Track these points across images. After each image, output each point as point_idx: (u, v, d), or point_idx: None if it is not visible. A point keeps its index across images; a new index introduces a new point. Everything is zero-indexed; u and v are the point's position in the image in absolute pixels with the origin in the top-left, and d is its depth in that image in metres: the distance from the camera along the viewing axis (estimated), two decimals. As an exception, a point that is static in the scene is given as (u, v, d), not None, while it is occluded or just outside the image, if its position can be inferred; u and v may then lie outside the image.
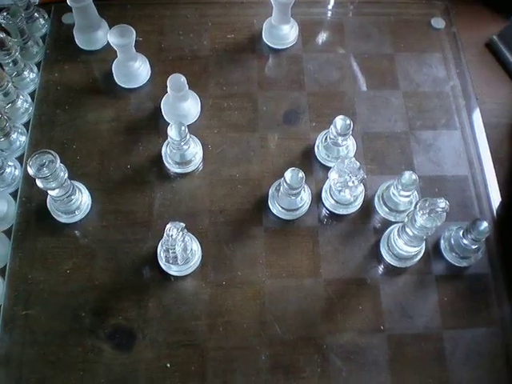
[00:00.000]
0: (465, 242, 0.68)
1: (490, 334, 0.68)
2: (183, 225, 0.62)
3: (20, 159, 0.76)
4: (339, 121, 0.71)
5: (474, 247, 0.69)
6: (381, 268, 0.71)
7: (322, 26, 0.90)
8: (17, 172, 0.75)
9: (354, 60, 0.87)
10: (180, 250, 0.64)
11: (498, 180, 0.78)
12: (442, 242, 0.72)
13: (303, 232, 0.73)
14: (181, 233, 0.62)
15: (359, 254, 0.72)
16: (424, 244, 0.71)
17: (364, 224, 0.74)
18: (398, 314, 0.69)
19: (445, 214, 0.61)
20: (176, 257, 0.65)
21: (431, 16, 0.91)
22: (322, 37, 0.89)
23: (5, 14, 0.78)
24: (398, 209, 0.73)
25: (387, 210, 0.73)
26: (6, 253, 0.70)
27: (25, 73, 0.81)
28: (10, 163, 0.74)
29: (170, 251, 0.64)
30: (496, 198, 0.77)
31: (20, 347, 0.65)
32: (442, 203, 0.61)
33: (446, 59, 0.88)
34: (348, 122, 0.71)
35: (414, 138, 0.80)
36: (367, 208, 0.75)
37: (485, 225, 0.66)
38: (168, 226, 0.62)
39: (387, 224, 0.73)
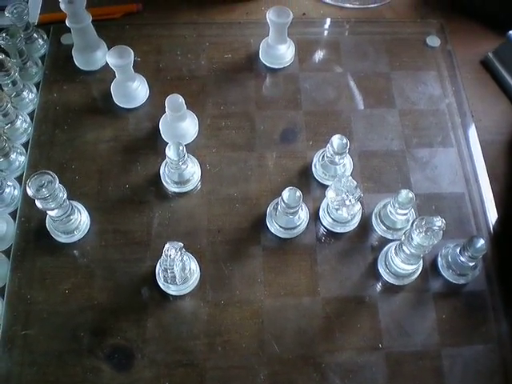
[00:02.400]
0: (462, 259, 0.69)
1: (487, 351, 0.68)
2: (181, 244, 0.62)
3: (19, 179, 0.77)
4: (336, 140, 0.72)
5: (471, 264, 0.69)
6: (379, 286, 0.71)
7: (318, 45, 0.91)
8: (16, 192, 0.75)
9: (351, 79, 0.87)
10: (178, 270, 0.64)
11: (494, 196, 0.78)
12: (439, 259, 0.72)
13: (301, 250, 0.73)
14: (179, 252, 0.62)
15: (357, 272, 0.72)
16: (421, 262, 0.71)
17: (361, 242, 0.74)
18: (396, 331, 0.69)
19: (441, 232, 0.62)
20: (174, 276, 0.65)
21: (426, 34, 0.92)
22: (319, 56, 0.90)
23: (4, 34, 0.78)
24: (395, 227, 0.73)
25: (384, 228, 0.73)
26: (5, 273, 0.70)
27: (24, 93, 0.81)
28: (9, 183, 0.75)
29: (169, 271, 0.64)
30: (493, 215, 0.77)
31: (19, 367, 0.65)
32: (439, 222, 0.61)
33: (441, 77, 0.88)
34: (345, 141, 0.71)
35: (410, 155, 0.81)
36: (364, 226, 0.75)
37: (481, 242, 0.66)
38: (166, 245, 0.62)
39: (385, 242, 0.73)
